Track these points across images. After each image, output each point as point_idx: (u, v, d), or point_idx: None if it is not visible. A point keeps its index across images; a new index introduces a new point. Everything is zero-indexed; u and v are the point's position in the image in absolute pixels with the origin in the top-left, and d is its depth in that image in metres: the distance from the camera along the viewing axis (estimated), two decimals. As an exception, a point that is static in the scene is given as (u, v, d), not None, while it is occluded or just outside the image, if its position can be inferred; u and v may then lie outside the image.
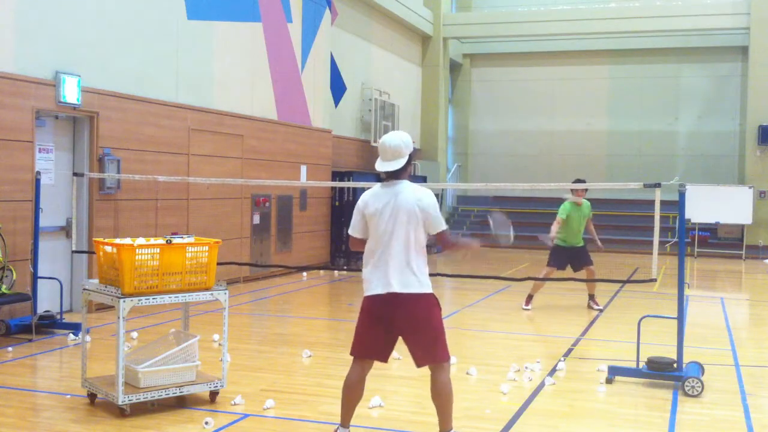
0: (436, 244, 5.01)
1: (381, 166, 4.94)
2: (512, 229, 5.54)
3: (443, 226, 4.90)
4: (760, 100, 20.24)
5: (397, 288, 4.78)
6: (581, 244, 10.88)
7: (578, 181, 10.76)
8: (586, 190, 10.71)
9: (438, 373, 4.88)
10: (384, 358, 5.00)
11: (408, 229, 4.81)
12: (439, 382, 4.88)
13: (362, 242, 5.03)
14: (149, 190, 10.80)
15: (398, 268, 4.79)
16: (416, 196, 4.86)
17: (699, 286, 14.45)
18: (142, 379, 5.70)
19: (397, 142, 4.90)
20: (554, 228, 10.77)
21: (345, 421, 5.03)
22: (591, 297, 10.96)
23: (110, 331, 8.44)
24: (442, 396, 4.89)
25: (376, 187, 5.00)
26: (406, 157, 4.92)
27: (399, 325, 4.85)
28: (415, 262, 4.83)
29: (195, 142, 11.78)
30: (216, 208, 12.33)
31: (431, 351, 4.87)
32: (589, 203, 10.99)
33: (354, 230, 5.02)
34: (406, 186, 4.91)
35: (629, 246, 20.25)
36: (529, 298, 10.91)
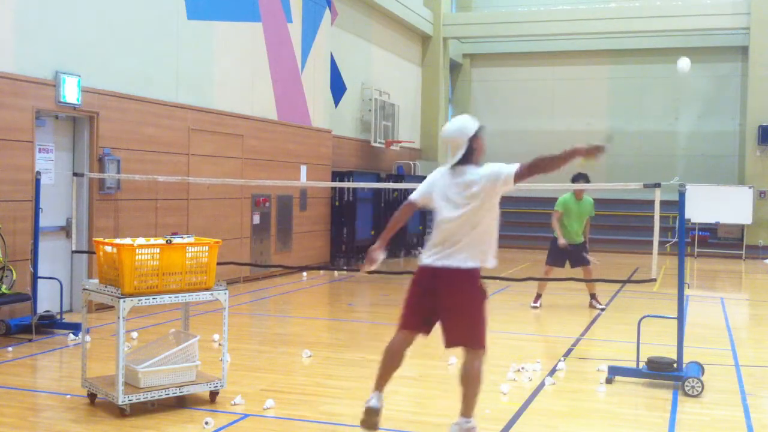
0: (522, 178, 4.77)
1: (448, 158, 4.94)
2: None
3: (510, 172, 4.72)
4: (760, 100, 20.24)
5: (446, 262, 4.77)
6: (580, 240, 10.85)
7: (580, 175, 10.71)
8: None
9: (470, 358, 4.85)
10: (425, 332, 4.99)
11: (468, 212, 4.78)
12: (468, 368, 4.85)
13: (412, 208, 5.08)
14: (149, 190, 10.81)
15: (455, 246, 4.77)
16: (473, 172, 4.81)
17: (699, 286, 14.45)
18: (142, 379, 5.70)
19: (451, 134, 4.86)
20: (555, 224, 10.74)
21: (379, 385, 5.04)
22: (593, 296, 10.94)
23: (110, 331, 8.44)
24: (467, 382, 4.86)
25: (448, 168, 4.96)
26: (465, 145, 4.83)
27: (440, 299, 4.83)
28: (476, 241, 4.79)
29: (195, 142, 11.78)
30: (216, 208, 12.33)
31: (464, 332, 4.84)
32: (592, 201, 10.94)
33: (416, 194, 5.05)
34: (470, 170, 4.84)
35: (629, 246, 20.24)
36: (538, 297, 10.89)
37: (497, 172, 4.76)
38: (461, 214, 4.79)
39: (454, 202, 4.83)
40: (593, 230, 11.19)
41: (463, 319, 4.84)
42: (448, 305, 4.84)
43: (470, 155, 4.86)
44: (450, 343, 4.92)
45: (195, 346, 5.99)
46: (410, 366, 7.38)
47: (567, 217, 10.74)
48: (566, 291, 12.08)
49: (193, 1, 11.67)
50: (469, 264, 4.80)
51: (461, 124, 4.88)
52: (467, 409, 4.91)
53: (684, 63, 8.93)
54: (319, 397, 6.27)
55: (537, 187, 8.69)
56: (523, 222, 22.18)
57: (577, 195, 10.72)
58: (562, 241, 10.64)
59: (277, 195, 14.04)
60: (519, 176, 4.73)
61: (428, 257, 4.90)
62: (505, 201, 5.23)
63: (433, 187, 4.97)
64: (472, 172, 4.83)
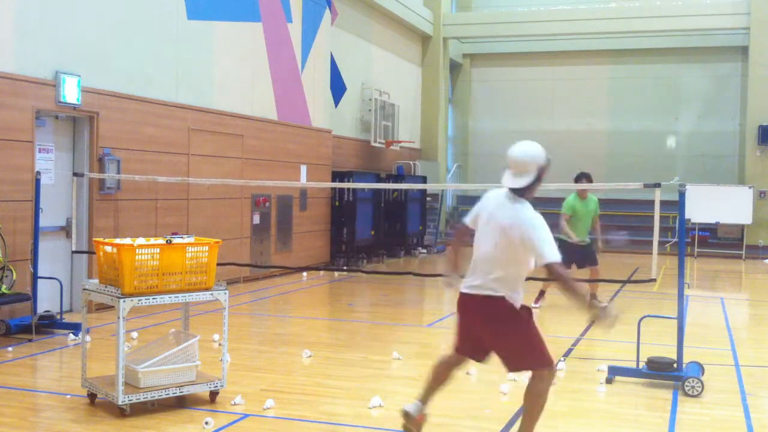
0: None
1: (506, 179, 4.64)
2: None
3: (547, 258, 4.44)
4: (760, 100, 20.24)
5: (474, 290, 4.66)
6: (587, 241, 10.80)
7: (582, 175, 10.64)
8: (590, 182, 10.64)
9: (532, 379, 4.71)
10: (478, 358, 4.88)
11: (499, 249, 4.58)
12: (528, 387, 4.74)
13: (466, 232, 4.91)
14: (149, 190, 10.80)
15: (485, 277, 4.64)
16: (517, 219, 4.52)
17: (699, 286, 14.45)
18: (142, 379, 5.70)
19: (523, 157, 4.57)
20: (565, 227, 10.57)
21: (423, 397, 5.01)
22: (593, 296, 10.91)
23: (110, 331, 8.44)
24: (526, 400, 4.75)
25: (501, 193, 4.73)
26: (533, 175, 4.57)
27: (479, 328, 4.73)
28: (504, 279, 4.60)
29: (195, 142, 11.78)
30: (216, 208, 12.33)
31: (517, 359, 4.71)
32: (596, 200, 10.89)
33: (468, 217, 4.89)
34: (519, 207, 4.57)
35: (629, 246, 20.21)
36: (541, 294, 10.79)
37: (533, 245, 4.48)
38: (489, 245, 4.63)
39: (488, 229, 4.65)
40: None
41: (509, 346, 4.68)
42: (489, 335, 4.71)
43: (533, 185, 4.61)
44: (510, 369, 4.83)
45: (195, 346, 5.99)
46: (410, 366, 7.39)
47: (575, 218, 10.68)
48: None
49: (193, 1, 11.67)
50: (495, 293, 4.62)
51: (536, 151, 4.61)
52: (524, 426, 4.77)
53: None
54: (319, 397, 6.27)
55: (540, 186, 8.68)
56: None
57: (581, 194, 10.67)
58: (575, 239, 10.49)
59: (277, 195, 14.03)
60: (545, 268, 4.52)
61: (463, 284, 4.79)
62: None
63: (483, 209, 4.76)
64: (520, 213, 4.56)
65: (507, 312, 4.63)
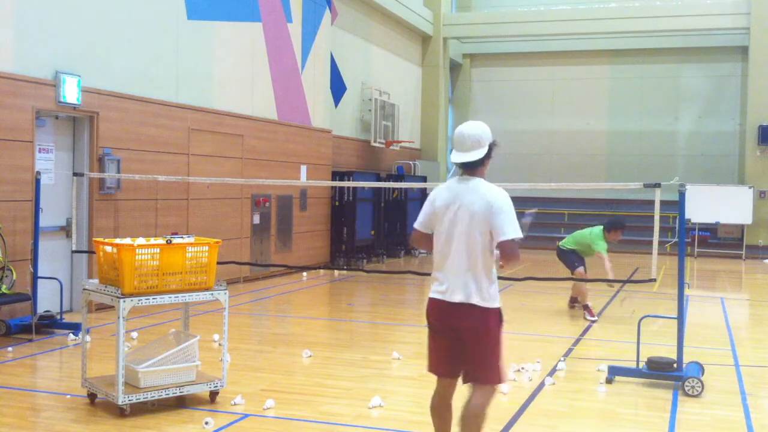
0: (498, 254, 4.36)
1: (457, 156, 4.42)
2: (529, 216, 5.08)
3: (510, 234, 4.25)
4: (760, 100, 20.24)
5: (456, 297, 4.29)
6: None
7: (617, 222, 10.58)
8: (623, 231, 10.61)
9: (474, 392, 4.34)
10: (454, 374, 4.42)
11: (471, 231, 4.29)
12: (470, 403, 4.32)
13: (426, 238, 4.52)
14: (149, 190, 10.81)
15: (459, 274, 4.30)
16: (486, 194, 4.31)
17: (699, 286, 14.45)
18: (142, 379, 5.70)
19: (477, 132, 4.41)
20: (608, 266, 10.47)
21: None
22: (574, 299, 10.95)
23: (110, 331, 8.45)
24: (465, 420, 4.31)
25: (451, 180, 4.49)
26: (486, 148, 4.42)
27: (460, 335, 4.34)
28: (479, 269, 4.28)
29: (195, 142, 11.78)
30: (216, 208, 12.33)
31: (478, 370, 4.33)
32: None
33: (419, 224, 4.52)
34: (479, 183, 4.38)
35: (629, 246, 20.21)
36: (586, 307, 10.63)
37: (497, 222, 4.26)
38: (462, 236, 4.32)
39: (457, 220, 4.34)
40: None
41: (482, 358, 4.32)
42: (469, 344, 4.32)
43: (485, 160, 4.43)
44: (467, 380, 4.40)
45: (195, 346, 5.99)
46: (410, 366, 7.39)
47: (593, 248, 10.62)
48: (566, 291, 12.07)
49: (193, 1, 11.67)
50: (477, 301, 4.28)
51: (484, 128, 4.46)
52: None
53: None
54: (319, 397, 6.27)
55: (537, 186, 8.70)
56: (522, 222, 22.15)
57: (615, 239, 10.54)
58: (612, 275, 10.44)
59: (277, 195, 14.04)
60: (502, 246, 4.27)
61: (434, 288, 4.43)
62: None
63: (440, 205, 4.42)
64: (487, 192, 4.34)
65: (490, 324, 4.31)
